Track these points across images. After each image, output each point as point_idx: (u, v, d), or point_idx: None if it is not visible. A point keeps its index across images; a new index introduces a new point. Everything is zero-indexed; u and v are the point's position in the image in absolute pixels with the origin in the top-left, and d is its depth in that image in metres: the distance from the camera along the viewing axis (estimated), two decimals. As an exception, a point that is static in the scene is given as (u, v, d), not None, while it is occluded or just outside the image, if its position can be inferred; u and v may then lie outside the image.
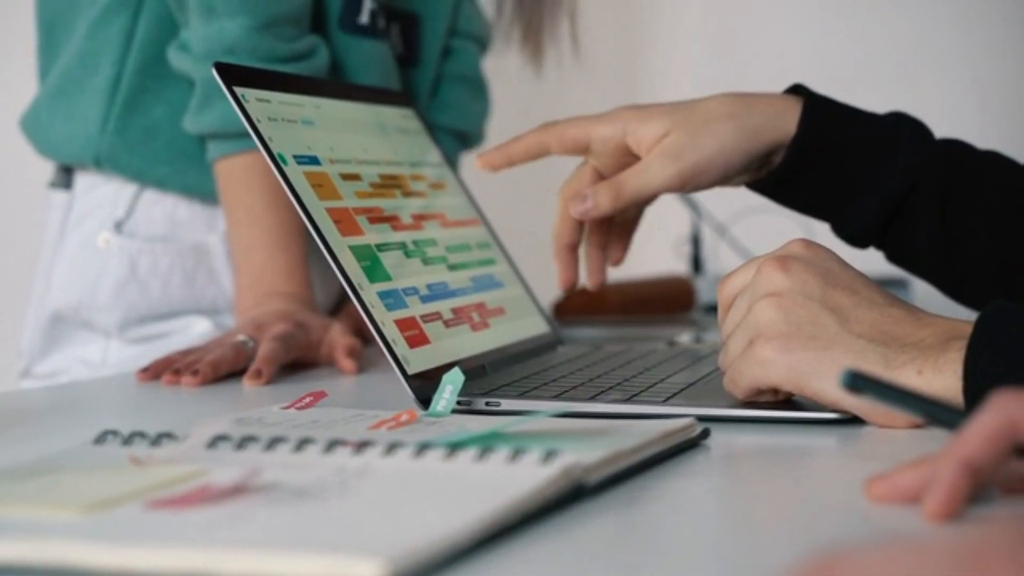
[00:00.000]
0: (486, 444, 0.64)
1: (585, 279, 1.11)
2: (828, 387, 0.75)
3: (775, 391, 0.80)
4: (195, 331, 1.30)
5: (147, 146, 1.29)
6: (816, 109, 1.00)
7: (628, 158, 1.02)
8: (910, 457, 0.58)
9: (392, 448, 0.63)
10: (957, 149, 1.02)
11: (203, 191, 1.30)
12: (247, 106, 0.90)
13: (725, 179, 1.01)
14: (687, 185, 1.00)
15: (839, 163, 1.00)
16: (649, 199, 1.03)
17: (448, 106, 1.43)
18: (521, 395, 0.87)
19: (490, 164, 1.05)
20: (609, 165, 1.04)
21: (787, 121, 1.00)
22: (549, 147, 1.04)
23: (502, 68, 1.51)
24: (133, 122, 1.29)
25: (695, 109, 1.00)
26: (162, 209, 1.31)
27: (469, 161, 1.51)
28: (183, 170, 1.29)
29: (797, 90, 1.03)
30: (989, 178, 1.01)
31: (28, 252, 1.44)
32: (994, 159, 1.03)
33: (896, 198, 1.00)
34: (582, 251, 1.09)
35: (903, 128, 1.01)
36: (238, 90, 0.90)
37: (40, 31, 1.37)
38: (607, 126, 1.02)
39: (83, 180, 1.34)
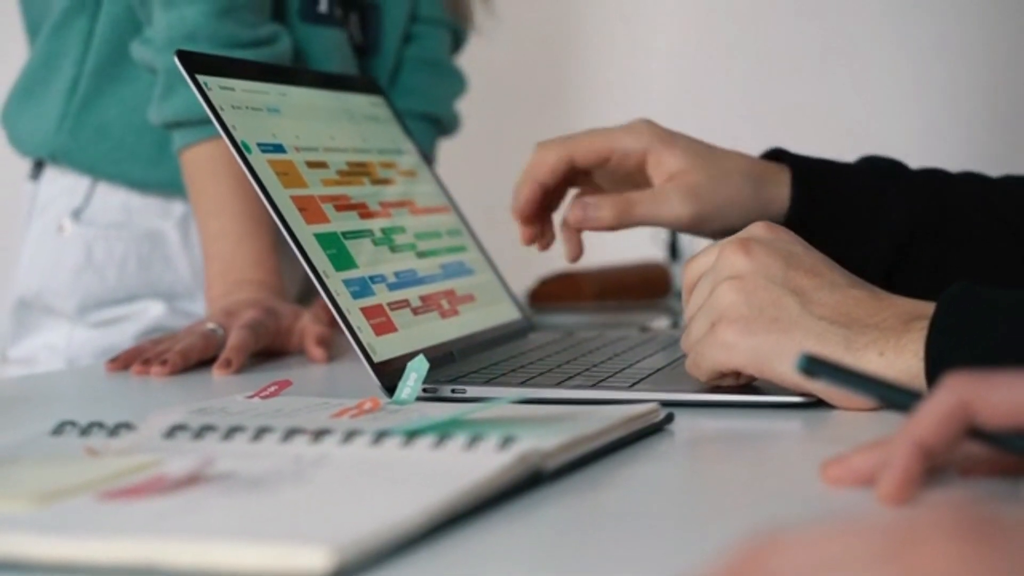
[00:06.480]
0: (444, 431, 0.63)
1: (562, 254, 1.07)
2: (790, 370, 0.75)
3: (737, 375, 0.79)
4: (152, 315, 1.34)
5: (97, 146, 1.33)
6: (804, 181, 0.99)
7: (635, 176, 1.00)
8: (873, 440, 0.58)
9: (349, 436, 0.63)
10: (937, 183, 1.01)
11: (153, 186, 1.34)
12: (210, 94, 0.90)
13: (722, 233, 0.97)
14: (695, 227, 0.98)
15: (832, 230, 0.99)
16: (647, 225, 0.99)
17: (409, 90, 1.42)
18: (488, 382, 0.86)
19: (525, 205, 1.01)
20: (608, 181, 1.01)
21: (784, 194, 0.99)
22: (573, 157, 0.99)
23: (483, 56, 1.50)
24: (87, 122, 1.33)
25: (717, 156, 0.98)
26: (117, 197, 1.36)
27: (445, 148, 1.50)
28: (129, 171, 1.33)
29: (779, 155, 1.01)
30: (977, 205, 1.00)
31: (7, 241, 1.49)
32: (975, 183, 1.02)
33: (893, 248, 0.99)
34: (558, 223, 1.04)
35: (886, 179, 1.00)
36: (201, 78, 0.90)
37: (26, 29, 1.41)
38: (631, 139, 0.98)
39: (49, 171, 1.38)
